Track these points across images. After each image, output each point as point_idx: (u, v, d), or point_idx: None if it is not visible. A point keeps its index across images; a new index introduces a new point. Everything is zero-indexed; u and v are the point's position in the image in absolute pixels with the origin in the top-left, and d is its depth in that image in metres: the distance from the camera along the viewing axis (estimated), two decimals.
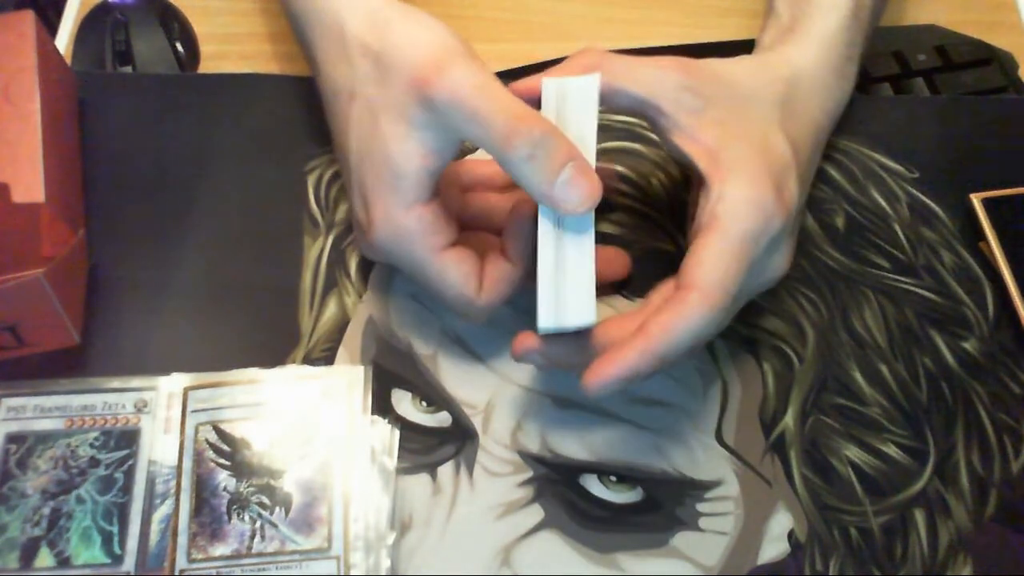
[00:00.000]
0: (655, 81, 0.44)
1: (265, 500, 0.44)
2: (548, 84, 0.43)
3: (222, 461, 0.45)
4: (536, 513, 0.45)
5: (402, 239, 0.44)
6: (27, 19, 0.52)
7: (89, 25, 0.60)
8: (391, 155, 0.43)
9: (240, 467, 0.45)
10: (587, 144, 0.42)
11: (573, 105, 0.43)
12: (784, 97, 0.46)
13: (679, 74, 0.44)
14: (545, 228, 0.42)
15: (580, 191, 0.40)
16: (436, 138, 0.42)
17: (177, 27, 0.60)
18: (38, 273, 0.44)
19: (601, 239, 0.52)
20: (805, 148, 0.47)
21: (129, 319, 0.50)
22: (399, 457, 0.46)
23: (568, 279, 0.42)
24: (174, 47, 0.59)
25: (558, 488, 0.46)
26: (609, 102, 0.44)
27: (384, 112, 0.43)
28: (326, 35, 0.47)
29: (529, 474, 0.46)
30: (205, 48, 0.61)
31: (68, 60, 0.58)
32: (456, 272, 0.44)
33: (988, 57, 0.60)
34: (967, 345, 0.50)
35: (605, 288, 0.50)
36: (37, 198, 0.47)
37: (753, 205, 0.42)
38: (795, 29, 0.50)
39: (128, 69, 0.59)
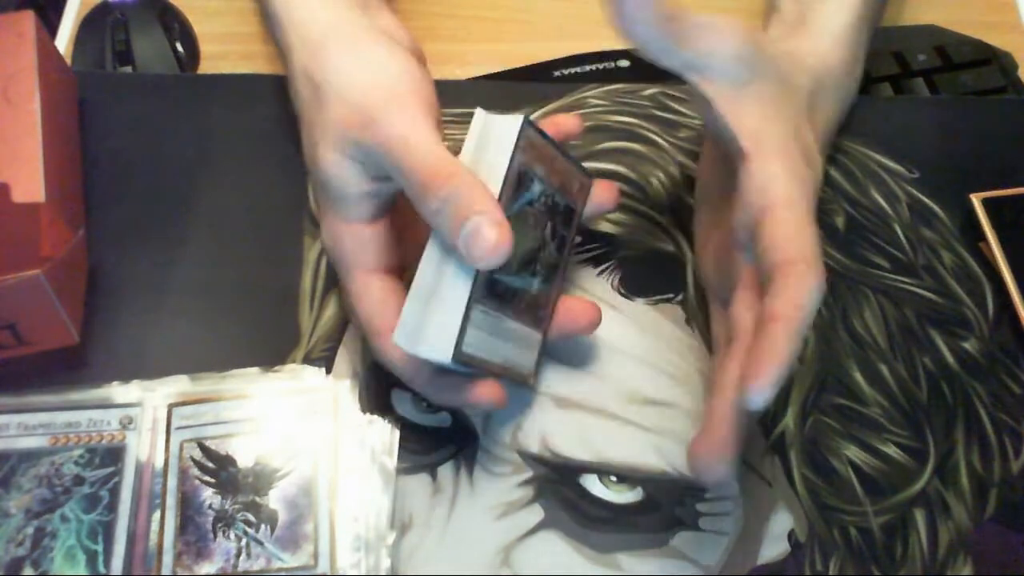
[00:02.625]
0: (709, 47, 0.41)
1: (251, 517, 0.44)
2: (478, 116, 0.43)
3: (207, 478, 0.45)
4: (536, 513, 0.45)
5: (335, 250, 0.45)
6: (27, 19, 0.52)
7: (89, 25, 0.60)
8: (331, 178, 0.44)
9: (225, 484, 0.45)
10: (495, 181, 0.41)
11: (495, 141, 0.42)
12: (811, 89, 0.46)
13: (735, 42, 0.41)
14: (431, 254, 0.41)
15: (481, 246, 0.38)
16: (374, 169, 0.43)
17: (177, 27, 0.60)
18: (38, 272, 0.44)
19: (601, 239, 0.52)
20: (822, 145, 0.47)
21: (129, 319, 0.50)
22: (399, 457, 0.46)
23: (436, 310, 0.40)
24: (174, 47, 0.59)
25: (558, 488, 0.46)
26: (657, 58, 0.42)
27: (323, 139, 0.44)
28: (283, 54, 0.49)
29: (529, 474, 0.46)
30: (205, 48, 0.61)
31: (68, 60, 0.58)
32: (370, 299, 0.45)
33: (988, 57, 0.60)
34: (967, 345, 0.50)
35: (604, 287, 0.50)
36: (37, 198, 0.47)
37: (799, 181, 0.41)
38: (806, 24, 0.50)
39: (128, 69, 0.59)
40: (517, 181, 0.42)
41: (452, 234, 0.39)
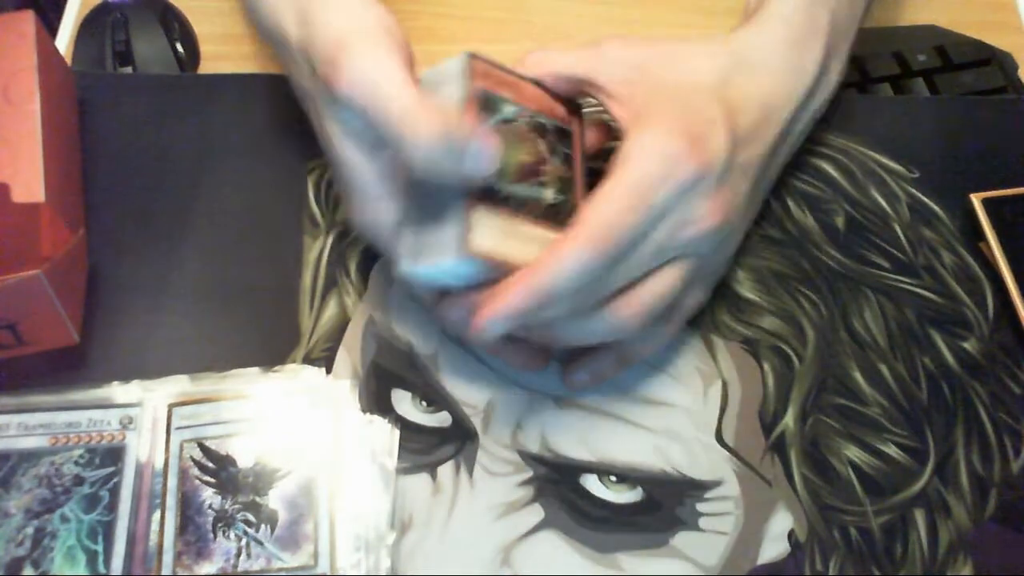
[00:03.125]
0: (591, 58, 0.45)
1: (251, 517, 0.44)
2: (425, 74, 0.44)
3: (207, 478, 0.45)
4: (536, 513, 0.45)
5: (372, 231, 0.45)
6: (27, 19, 0.52)
7: (89, 25, 0.60)
8: (339, 154, 0.44)
9: (225, 484, 0.45)
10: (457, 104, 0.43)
11: (448, 80, 0.44)
12: (724, 67, 0.46)
13: (616, 49, 0.45)
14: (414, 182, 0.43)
15: (486, 157, 0.40)
16: (367, 132, 0.42)
17: (177, 27, 0.60)
18: (38, 272, 0.44)
19: None
20: (747, 114, 0.45)
21: (129, 318, 0.50)
22: (399, 457, 0.46)
23: (438, 221, 0.42)
24: (174, 47, 0.59)
25: (558, 488, 0.46)
26: (556, 88, 0.46)
27: (322, 108, 0.44)
28: (280, 45, 0.48)
29: (529, 474, 0.46)
30: (205, 48, 0.61)
31: (68, 60, 0.58)
32: None
33: (988, 57, 0.60)
34: (967, 345, 0.50)
35: None
36: (37, 198, 0.47)
37: (656, 152, 0.41)
38: (758, 11, 0.49)
39: (128, 69, 0.59)
40: (483, 103, 0.44)
41: (454, 165, 0.40)
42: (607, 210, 0.41)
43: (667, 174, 0.41)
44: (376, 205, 0.44)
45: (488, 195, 0.42)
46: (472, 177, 0.40)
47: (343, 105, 0.41)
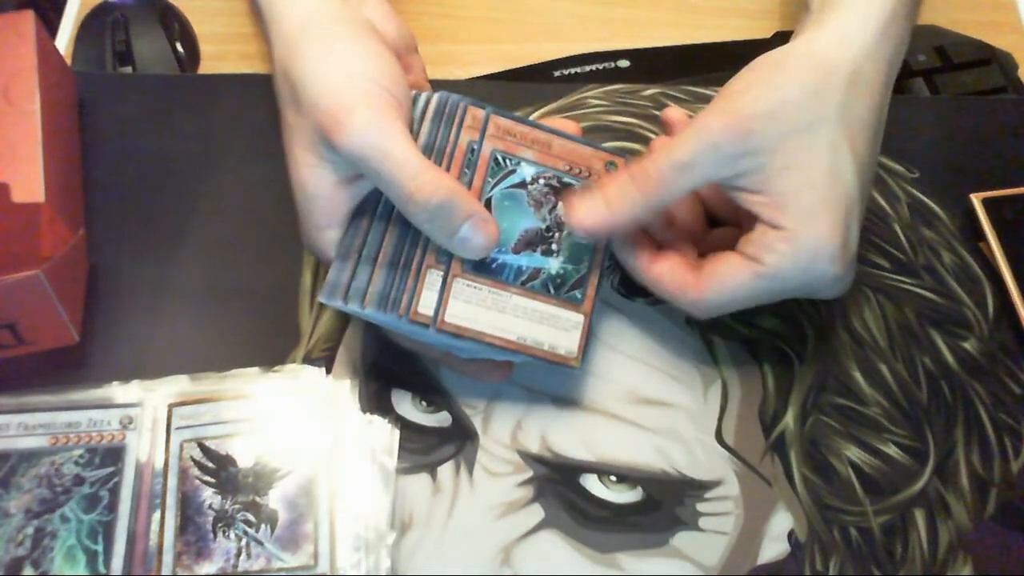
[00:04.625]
0: (707, 164, 0.42)
1: (250, 517, 0.44)
2: (425, 98, 0.46)
3: (207, 478, 0.45)
4: (536, 513, 0.45)
5: (318, 255, 0.45)
6: (27, 19, 0.52)
7: (89, 25, 0.60)
8: (303, 179, 0.44)
9: (225, 484, 0.45)
10: (455, 167, 0.45)
11: (452, 126, 0.45)
12: (843, 102, 0.43)
13: (729, 143, 0.42)
14: (397, 227, 0.44)
15: (476, 244, 0.43)
16: (347, 169, 0.43)
17: (177, 27, 0.60)
18: (38, 271, 0.44)
19: None
20: (869, 154, 0.44)
21: (129, 319, 0.50)
22: (399, 457, 0.46)
23: (407, 283, 0.43)
24: (174, 47, 0.59)
25: (558, 488, 0.46)
26: (676, 204, 0.46)
27: (297, 138, 0.44)
28: (267, 49, 0.48)
29: (529, 474, 0.46)
30: (205, 48, 0.61)
31: (68, 60, 0.58)
32: None
33: (988, 57, 0.60)
34: (967, 345, 0.50)
35: (604, 287, 0.50)
36: (37, 198, 0.47)
37: (810, 260, 0.42)
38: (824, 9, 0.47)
39: (128, 69, 0.59)
40: (494, 165, 0.44)
41: (445, 238, 0.43)
42: (725, 294, 0.43)
43: (811, 278, 0.43)
44: (323, 233, 0.44)
45: (471, 263, 0.44)
46: (474, 259, 0.43)
47: (337, 151, 0.42)
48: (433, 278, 0.43)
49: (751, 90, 0.43)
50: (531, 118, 0.45)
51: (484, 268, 0.44)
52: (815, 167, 0.42)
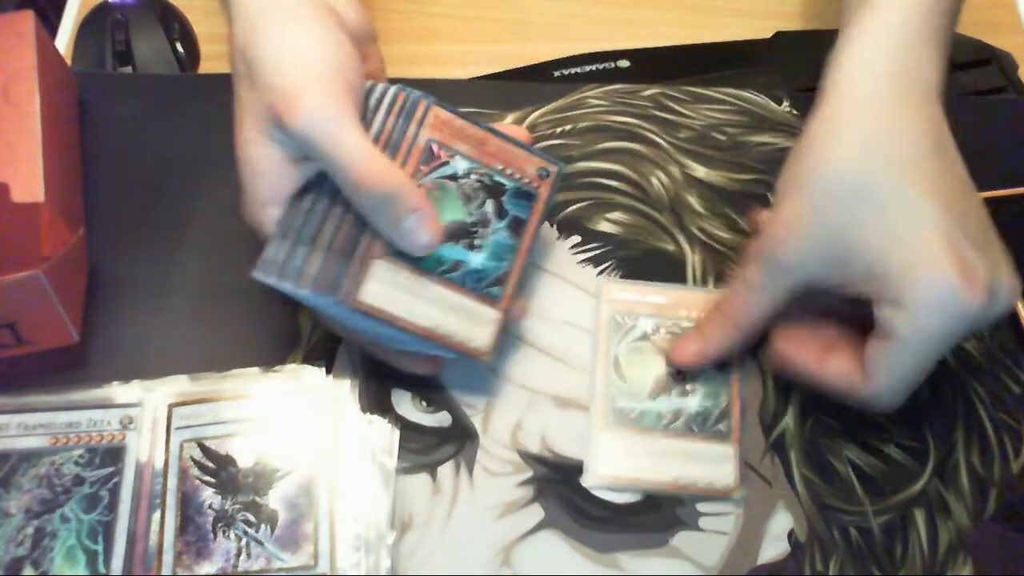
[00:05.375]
0: (778, 286, 0.44)
1: (251, 517, 0.44)
2: (380, 90, 0.45)
3: (207, 478, 0.45)
4: (536, 513, 0.45)
5: (258, 231, 0.45)
6: (27, 19, 0.52)
7: (89, 25, 0.60)
8: (251, 156, 0.44)
9: (225, 484, 0.44)
10: (399, 154, 0.45)
11: (396, 115, 0.45)
12: (874, 154, 0.42)
13: (814, 262, 0.42)
14: (332, 206, 0.43)
15: (419, 239, 0.43)
16: (295, 151, 0.43)
17: (177, 27, 0.60)
18: (38, 271, 0.44)
19: (601, 239, 0.52)
20: (946, 178, 0.42)
21: (129, 318, 0.50)
22: (399, 457, 0.46)
23: (334, 259, 0.43)
24: (174, 47, 0.59)
25: (558, 488, 0.46)
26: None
27: (248, 115, 0.44)
28: (227, 26, 0.48)
29: (529, 474, 0.46)
30: (205, 48, 0.61)
31: (68, 60, 0.58)
32: None
33: (988, 57, 0.60)
34: (967, 345, 0.50)
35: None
36: (37, 198, 0.47)
37: (939, 309, 0.40)
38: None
39: (128, 69, 0.59)
40: (430, 154, 0.45)
41: (389, 227, 0.43)
42: (893, 377, 0.42)
43: (957, 323, 0.40)
44: (265, 209, 0.44)
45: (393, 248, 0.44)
46: (408, 252, 0.43)
47: (287, 132, 0.42)
48: (365, 261, 0.43)
49: (790, 191, 0.43)
50: (517, 118, 0.45)
51: (406, 253, 0.44)
52: (888, 231, 0.41)
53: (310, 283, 0.42)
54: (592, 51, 0.61)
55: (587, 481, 0.45)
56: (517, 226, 0.46)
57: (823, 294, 0.43)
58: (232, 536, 0.43)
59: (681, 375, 0.47)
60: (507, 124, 0.51)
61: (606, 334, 0.47)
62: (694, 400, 0.47)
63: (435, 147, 0.45)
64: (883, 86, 0.43)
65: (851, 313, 0.44)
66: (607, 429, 0.46)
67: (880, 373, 0.42)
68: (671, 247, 0.52)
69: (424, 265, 0.44)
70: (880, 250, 0.41)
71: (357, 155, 0.42)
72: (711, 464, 0.46)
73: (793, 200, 0.43)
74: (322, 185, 0.44)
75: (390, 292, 0.43)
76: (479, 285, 0.45)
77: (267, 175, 0.43)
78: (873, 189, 0.41)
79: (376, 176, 0.42)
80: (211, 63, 0.61)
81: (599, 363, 0.48)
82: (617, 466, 0.45)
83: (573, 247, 0.52)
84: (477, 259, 0.45)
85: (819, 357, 0.44)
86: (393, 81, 0.47)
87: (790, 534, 0.45)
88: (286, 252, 0.43)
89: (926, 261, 0.40)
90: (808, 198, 0.42)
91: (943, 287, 0.39)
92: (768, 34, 0.62)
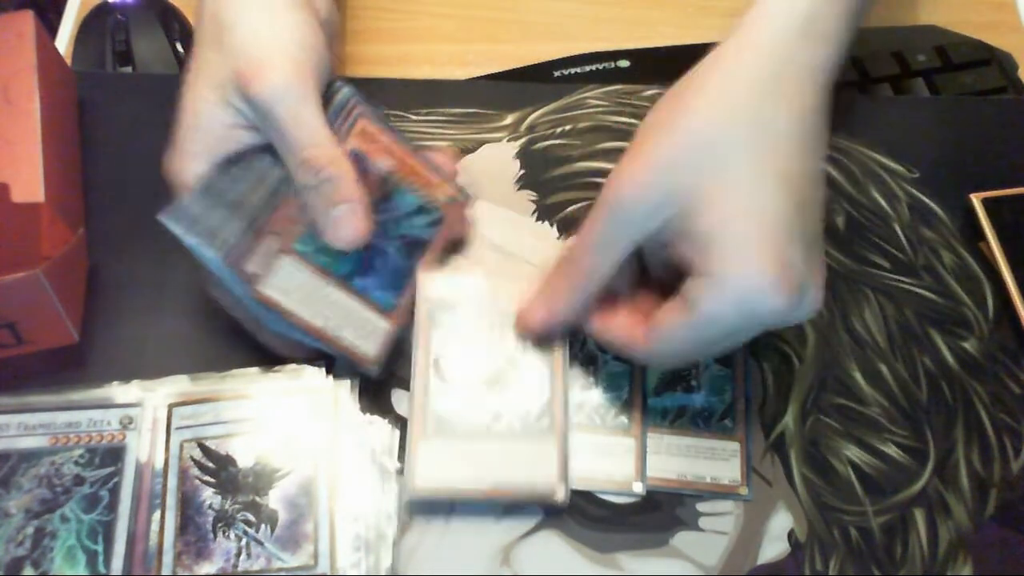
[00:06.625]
0: (622, 236, 0.42)
1: (251, 517, 0.44)
2: (342, 89, 0.46)
3: (207, 478, 0.45)
4: (536, 513, 0.45)
5: (173, 181, 0.45)
6: (27, 19, 0.52)
7: (89, 25, 0.60)
8: (199, 110, 0.44)
9: (225, 484, 0.45)
10: None
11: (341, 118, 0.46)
12: (754, 120, 0.40)
13: (634, 207, 0.41)
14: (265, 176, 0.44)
15: (344, 232, 0.44)
16: (247, 119, 0.44)
17: (177, 27, 0.60)
18: (38, 271, 0.44)
19: None
20: (799, 167, 0.41)
21: (129, 318, 0.50)
22: (399, 457, 0.46)
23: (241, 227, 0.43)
24: (174, 47, 0.59)
25: None
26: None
27: (207, 74, 0.44)
28: None
29: None
30: None
31: (68, 60, 0.58)
32: None
33: (988, 57, 0.60)
34: (967, 345, 0.50)
35: None
36: (37, 198, 0.47)
37: (742, 301, 0.39)
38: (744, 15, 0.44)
39: (128, 69, 0.59)
40: (354, 162, 0.45)
41: (320, 211, 0.43)
42: (670, 343, 0.41)
43: (751, 319, 0.39)
44: (192, 162, 0.44)
45: (309, 248, 0.44)
46: (330, 242, 0.44)
47: (248, 98, 0.43)
48: (270, 246, 0.43)
49: (649, 138, 0.41)
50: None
51: (316, 252, 0.44)
52: (732, 201, 0.39)
53: (222, 250, 0.42)
54: (592, 51, 0.61)
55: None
56: (412, 247, 0.48)
57: (649, 252, 0.44)
58: (232, 536, 0.43)
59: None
60: (440, 150, 0.51)
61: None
62: (698, 397, 0.47)
63: (356, 156, 0.46)
64: (764, 63, 0.41)
65: (658, 276, 0.44)
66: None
67: (662, 339, 0.41)
68: None
69: (330, 267, 0.45)
70: (718, 218, 0.39)
71: (312, 134, 0.43)
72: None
73: (651, 146, 0.41)
74: (257, 160, 0.44)
75: (291, 288, 0.44)
76: (372, 295, 0.46)
77: (207, 131, 0.44)
78: (730, 153, 0.40)
79: (325, 157, 0.43)
80: None
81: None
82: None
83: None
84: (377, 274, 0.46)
85: (604, 314, 0.44)
86: (393, 81, 0.47)
87: (790, 534, 0.45)
88: (202, 208, 0.43)
89: (756, 252, 0.38)
90: (666, 148, 0.40)
91: (755, 281, 0.38)
92: None
